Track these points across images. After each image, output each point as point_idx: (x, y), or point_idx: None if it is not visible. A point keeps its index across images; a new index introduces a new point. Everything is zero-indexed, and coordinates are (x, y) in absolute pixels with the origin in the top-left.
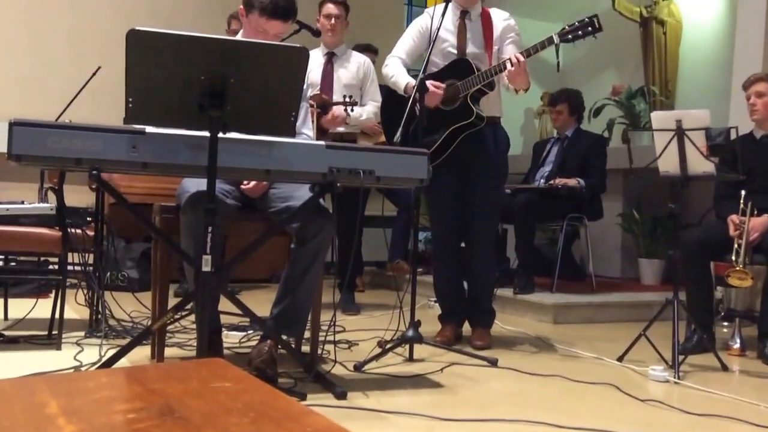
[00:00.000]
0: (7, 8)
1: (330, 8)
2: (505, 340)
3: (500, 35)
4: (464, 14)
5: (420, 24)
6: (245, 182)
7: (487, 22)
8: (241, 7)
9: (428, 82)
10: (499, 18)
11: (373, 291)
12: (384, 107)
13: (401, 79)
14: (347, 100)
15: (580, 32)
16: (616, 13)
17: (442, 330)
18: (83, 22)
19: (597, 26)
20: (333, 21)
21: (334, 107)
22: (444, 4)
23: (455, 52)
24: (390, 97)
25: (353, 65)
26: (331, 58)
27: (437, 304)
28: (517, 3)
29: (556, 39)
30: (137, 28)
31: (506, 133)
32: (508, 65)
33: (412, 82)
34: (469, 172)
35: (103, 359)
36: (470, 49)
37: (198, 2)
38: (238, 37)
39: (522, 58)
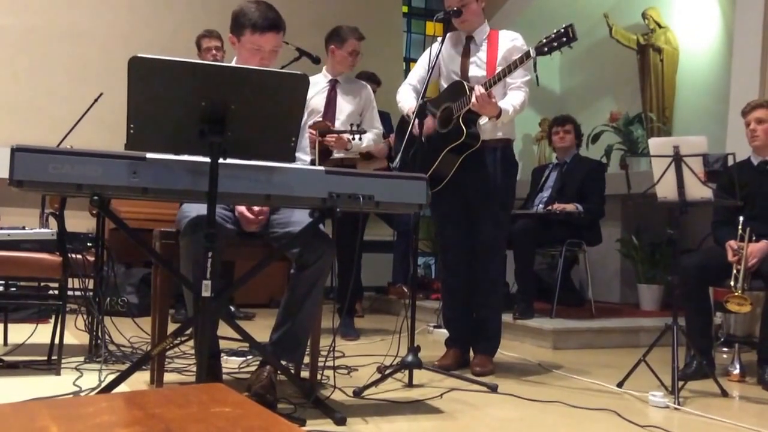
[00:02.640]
0: (9, 35)
1: (356, 44)
2: (504, 365)
3: (505, 55)
4: (469, 39)
5: (429, 53)
6: (241, 210)
7: (492, 44)
8: (231, 35)
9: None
10: (506, 39)
11: (373, 316)
12: (398, 133)
13: (405, 104)
14: (353, 128)
15: (555, 43)
16: (613, 41)
17: (444, 355)
18: (85, 50)
19: (572, 35)
20: (358, 57)
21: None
22: (451, 32)
23: (459, 74)
24: (404, 123)
25: (356, 93)
26: (334, 86)
27: (437, 330)
28: (512, 29)
29: (532, 53)
30: (139, 55)
31: (515, 157)
32: (472, 99)
33: (413, 107)
34: (473, 196)
35: (103, 384)
36: (473, 72)
37: (197, 30)
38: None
39: (482, 91)
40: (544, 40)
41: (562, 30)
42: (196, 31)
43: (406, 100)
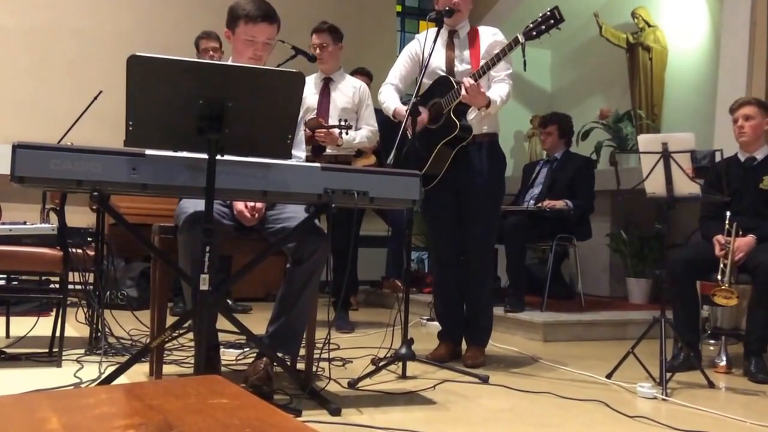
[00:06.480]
0: (11, 34)
1: (313, 38)
2: (496, 357)
3: (488, 50)
4: (452, 34)
5: (410, 50)
6: (241, 209)
7: (474, 39)
8: (226, 30)
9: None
10: (487, 33)
11: (367, 309)
12: (384, 132)
13: (390, 104)
14: (342, 123)
15: (543, 26)
16: (603, 40)
17: (437, 348)
18: (85, 48)
19: (559, 17)
20: (318, 50)
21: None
22: (435, 29)
23: (444, 71)
24: (389, 122)
25: (349, 90)
26: (327, 83)
27: (430, 322)
28: (503, 29)
29: (521, 38)
30: (138, 53)
31: (502, 150)
32: (462, 91)
33: (400, 107)
34: (463, 192)
35: (103, 376)
36: (458, 67)
37: (196, 29)
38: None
39: (472, 82)
40: (531, 25)
41: (548, 13)
42: (195, 30)
43: (391, 100)
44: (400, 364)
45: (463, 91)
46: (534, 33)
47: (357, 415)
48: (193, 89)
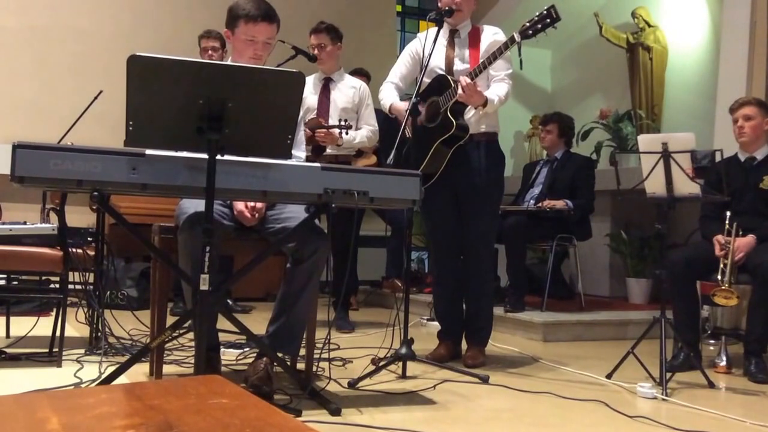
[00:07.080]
0: (12, 34)
1: (311, 39)
2: (496, 357)
3: (487, 49)
4: (453, 33)
5: (411, 49)
6: (241, 209)
7: (475, 38)
8: (226, 30)
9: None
10: (488, 33)
11: (367, 309)
12: (384, 131)
13: (387, 101)
14: (342, 123)
15: (539, 25)
16: (603, 40)
17: (437, 347)
18: (85, 48)
19: (555, 16)
20: (317, 51)
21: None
22: (435, 29)
23: (443, 69)
24: (389, 121)
25: (349, 90)
26: (327, 83)
27: (430, 322)
28: (503, 28)
29: (517, 37)
30: (138, 53)
31: (501, 150)
32: (459, 90)
33: (397, 102)
34: (462, 191)
35: (103, 376)
36: (457, 66)
37: (196, 29)
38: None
39: (468, 81)
40: (528, 24)
41: (545, 12)
42: (196, 30)
43: (388, 97)
44: (400, 364)
45: (460, 90)
46: (530, 32)
47: (357, 415)
48: (193, 89)
